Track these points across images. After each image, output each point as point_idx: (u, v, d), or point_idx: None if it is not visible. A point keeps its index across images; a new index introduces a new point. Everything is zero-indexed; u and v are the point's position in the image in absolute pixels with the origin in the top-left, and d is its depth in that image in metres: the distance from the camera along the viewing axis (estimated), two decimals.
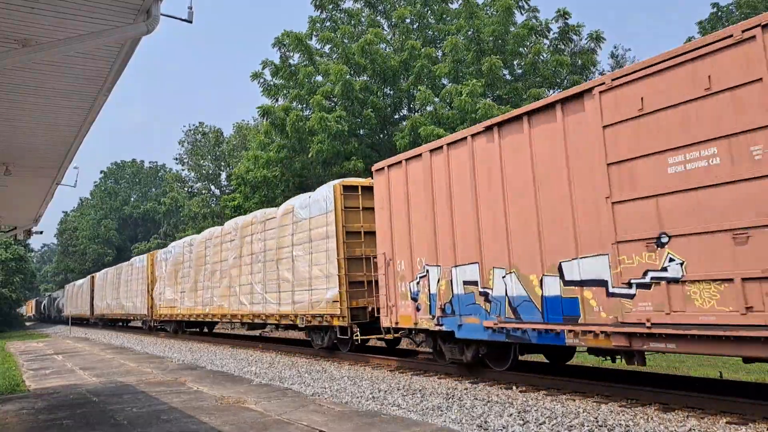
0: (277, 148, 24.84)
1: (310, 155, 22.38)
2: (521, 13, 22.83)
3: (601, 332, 7.57)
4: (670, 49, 7.04)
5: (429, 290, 10.62)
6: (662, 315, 6.85)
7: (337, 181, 14.20)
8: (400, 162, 11.54)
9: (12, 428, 7.81)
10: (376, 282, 12.57)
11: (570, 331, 7.97)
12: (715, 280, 6.40)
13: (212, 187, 50.99)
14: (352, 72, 22.54)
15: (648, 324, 6.97)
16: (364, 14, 25.78)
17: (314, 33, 25.82)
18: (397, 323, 11.45)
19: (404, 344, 15.61)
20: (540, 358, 11.47)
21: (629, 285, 7.22)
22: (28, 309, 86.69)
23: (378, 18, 26.00)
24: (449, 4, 25.05)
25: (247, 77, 25.71)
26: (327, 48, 25.88)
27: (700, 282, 6.53)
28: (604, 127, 7.63)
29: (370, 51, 21.85)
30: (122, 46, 5.45)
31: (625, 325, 7.23)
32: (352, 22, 25.15)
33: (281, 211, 16.35)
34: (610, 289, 7.46)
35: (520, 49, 22.01)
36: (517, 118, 8.93)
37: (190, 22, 5.69)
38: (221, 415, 7.93)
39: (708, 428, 6.31)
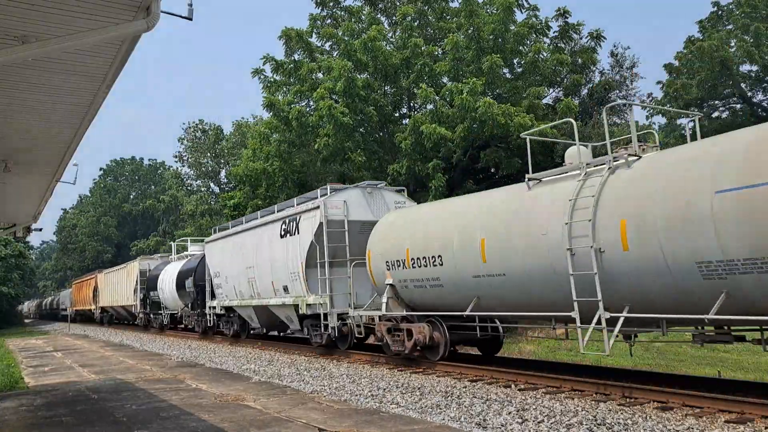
0: (278, 142, 24.85)
1: (316, 146, 22.39)
2: (521, 11, 22.81)
3: None
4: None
5: None
6: None
7: None
8: None
9: (11, 425, 7.81)
10: None
11: None
12: None
13: (211, 185, 51.05)
14: (354, 69, 22.53)
15: None
16: (364, 12, 25.77)
17: (315, 30, 25.85)
18: None
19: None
20: None
21: None
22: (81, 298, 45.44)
23: (378, 16, 25.99)
24: (449, 3, 25.02)
25: (241, 74, 25.78)
26: (327, 45, 25.90)
27: None
28: None
29: (373, 48, 21.84)
30: (122, 43, 5.45)
31: None
32: (353, 19, 25.14)
33: None
34: None
35: (520, 47, 21.99)
36: None
37: (190, 19, 5.68)
38: (220, 412, 7.94)
39: (706, 427, 6.32)
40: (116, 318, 36.17)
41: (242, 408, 8.20)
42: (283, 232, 15.37)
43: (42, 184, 10.47)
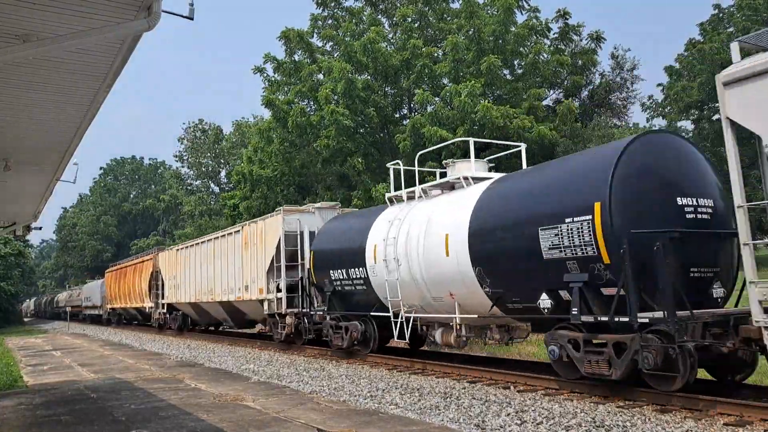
0: (280, 142, 24.89)
1: (317, 145, 22.43)
2: (522, 12, 22.84)
3: None
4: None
5: None
6: None
7: None
8: None
9: (10, 424, 7.81)
10: None
11: None
12: None
13: (211, 185, 51.08)
14: (353, 70, 22.56)
15: None
16: (365, 12, 25.79)
17: (315, 30, 25.88)
18: None
19: None
20: None
21: None
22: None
23: (379, 17, 26.02)
24: (450, 4, 25.05)
25: (241, 74, 25.90)
26: (328, 46, 25.92)
27: None
28: None
29: (372, 49, 21.86)
30: (123, 42, 5.45)
31: None
32: (354, 20, 25.17)
33: None
34: None
35: (521, 48, 22.02)
36: None
37: (191, 18, 5.67)
38: (219, 412, 7.93)
39: (705, 429, 6.32)
40: (193, 322, 22.72)
41: (241, 408, 8.19)
42: None
43: (42, 183, 10.46)
